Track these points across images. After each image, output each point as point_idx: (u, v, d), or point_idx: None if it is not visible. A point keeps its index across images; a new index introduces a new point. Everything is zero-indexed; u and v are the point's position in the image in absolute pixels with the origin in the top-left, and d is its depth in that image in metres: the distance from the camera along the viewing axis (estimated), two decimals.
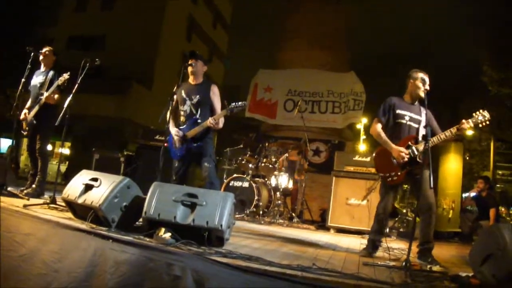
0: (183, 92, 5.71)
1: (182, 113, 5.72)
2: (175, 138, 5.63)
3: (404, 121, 5.03)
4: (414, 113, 5.08)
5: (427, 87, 5.01)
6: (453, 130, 4.79)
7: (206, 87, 5.75)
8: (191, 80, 5.81)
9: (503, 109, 24.16)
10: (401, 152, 4.81)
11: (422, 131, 4.97)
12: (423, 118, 5.05)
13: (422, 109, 5.07)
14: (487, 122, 4.78)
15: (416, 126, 5.04)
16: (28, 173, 7.09)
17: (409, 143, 4.90)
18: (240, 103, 5.51)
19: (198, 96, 5.64)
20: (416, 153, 4.81)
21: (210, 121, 5.44)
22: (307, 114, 11.43)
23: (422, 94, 4.99)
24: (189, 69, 5.71)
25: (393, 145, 4.89)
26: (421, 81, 5.02)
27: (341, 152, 9.80)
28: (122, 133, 24.21)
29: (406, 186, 12.03)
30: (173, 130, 5.68)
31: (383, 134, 5.03)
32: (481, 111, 4.76)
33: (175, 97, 5.70)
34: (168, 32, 30.46)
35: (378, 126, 5.11)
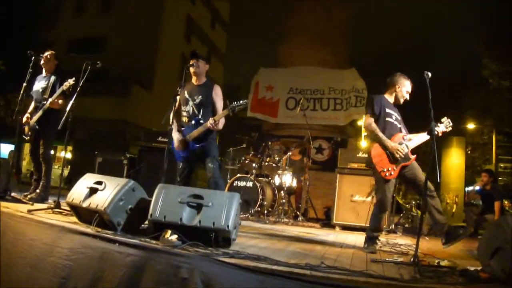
0: (186, 92, 5.70)
1: (184, 113, 5.71)
2: (176, 143, 5.63)
3: (392, 120, 5.25)
4: (397, 114, 5.39)
5: (408, 96, 5.40)
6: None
7: (209, 87, 5.73)
8: (193, 80, 5.80)
9: (505, 102, 24.13)
10: (398, 150, 5.03)
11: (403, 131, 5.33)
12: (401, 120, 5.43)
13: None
14: (450, 128, 5.34)
15: (400, 125, 5.32)
16: (31, 177, 7.07)
17: (401, 140, 5.18)
18: (241, 101, 5.48)
19: (200, 97, 5.63)
20: (407, 149, 5.10)
21: (210, 122, 5.41)
22: (309, 112, 11.43)
23: (401, 102, 5.39)
24: (191, 69, 5.67)
25: (389, 141, 5.09)
26: (407, 91, 5.37)
27: (344, 149, 9.77)
28: (124, 136, 24.25)
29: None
30: (175, 135, 5.68)
31: (379, 131, 5.15)
32: (446, 117, 5.26)
33: (178, 97, 5.70)
34: (167, 33, 30.48)
35: (372, 122, 5.22)
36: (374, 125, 5.18)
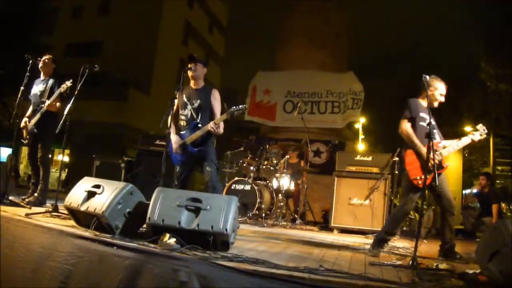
0: (184, 96, 5.70)
1: (182, 117, 5.70)
2: (175, 146, 5.63)
3: (425, 124, 4.98)
4: (432, 118, 5.02)
5: (443, 99, 5.17)
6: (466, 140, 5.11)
7: (207, 91, 5.74)
8: (192, 84, 5.80)
9: (502, 105, 24.18)
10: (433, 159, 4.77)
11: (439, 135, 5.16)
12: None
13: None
14: (485, 135, 5.15)
15: (434, 131, 4.98)
16: (29, 181, 7.06)
17: (436, 147, 4.95)
18: (240, 106, 5.48)
19: (199, 101, 5.63)
20: (441, 158, 4.97)
21: (211, 125, 5.41)
22: (306, 115, 11.42)
23: (436, 105, 5.15)
24: (189, 73, 5.66)
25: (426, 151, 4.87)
26: (440, 94, 5.16)
27: (342, 152, 9.81)
28: (121, 139, 24.25)
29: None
30: (173, 137, 5.67)
31: (415, 138, 5.02)
32: (481, 125, 5.09)
33: (175, 101, 5.67)
34: (165, 37, 30.56)
35: (408, 127, 5.09)
36: (410, 130, 5.06)
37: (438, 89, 5.15)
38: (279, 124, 12.66)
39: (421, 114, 5.09)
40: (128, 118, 26.48)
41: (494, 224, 4.52)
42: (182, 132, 5.67)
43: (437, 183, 4.43)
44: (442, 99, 5.18)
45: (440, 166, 4.94)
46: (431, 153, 4.63)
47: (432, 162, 4.68)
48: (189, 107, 5.65)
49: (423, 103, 5.19)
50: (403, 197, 5.20)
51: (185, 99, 5.69)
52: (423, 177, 4.85)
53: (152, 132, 10.35)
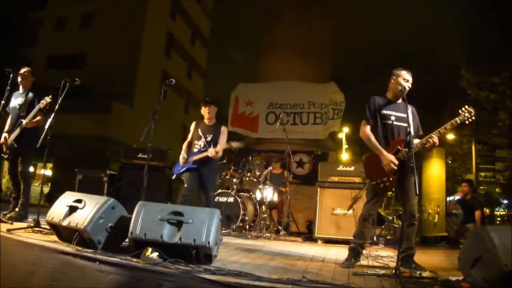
0: (199, 130, 6.99)
1: (197, 146, 6.93)
2: (182, 161, 6.90)
3: (390, 122, 4.91)
4: (400, 111, 4.96)
5: (410, 84, 4.93)
6: (445, 128, 4.73)
7: (218, 128, 7.03)
8: (206, 121, 7.07)
9: (483, 112, 24.50)
10: (391, 163, 4.71)
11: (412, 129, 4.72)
12: (410, 115, 4.79)
13: (408, 106, 4.85)
14: (473, 118, 4.70)
15: (405, 125, 4.89)
16: (11, 196, 6.99)
17: (398, 147, 4.79)
18: (239, 142, 7.22)
19: (212, 136, 6.89)
20: (406, 156, 4.70)
21: (210, 151, 6.63)
22: (289, 126, 11.46)
23: (404, 91, 4.85)
24: (206, 114, 7.01)
25: (384, 152, 4.77)
26: (404, 79, 4.92)
27: (324, 162, 9.86)
28: (104, 152, 24.08)
29: (391, 193, 12.16)
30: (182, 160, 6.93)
31: (373, 138, 4.88)
32: (466, 107, 4.69)
33: (192, 131, 7.11)
34: (148, 49, 30.57)
35: (367, 129, 4.96)
36: (368, 132, 4.92)
37: (400, 76, 4.95)
38: (262, 136, 12.67)
39: (384, 112, 4.95)
40: (111, 131, 26.36)
41: (476, 231, 4.54)
42: (189, 153, 6.96)
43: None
44: (408, 84, 4.91)
45: (403, 165, 4.72)
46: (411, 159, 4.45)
47: (390, 167, 4.71)
48: (203, 139, 6.91)
49: (390, 98, 5.07)
50: (367, 202, 5.09)
51: (200, 133, 6.95)
52: (385, 179, 4.80)
53: (135, 145, 10.29)
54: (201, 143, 6.91)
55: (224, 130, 7.06)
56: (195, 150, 6.93)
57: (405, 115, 4.86)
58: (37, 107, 6.45)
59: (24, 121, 6.45)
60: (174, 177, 7.31)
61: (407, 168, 4.67)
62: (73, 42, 29.66)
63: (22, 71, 6.90)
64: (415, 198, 4.75)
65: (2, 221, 5.75)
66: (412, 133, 4.56)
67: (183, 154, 6.92)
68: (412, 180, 4.60)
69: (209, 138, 6.87)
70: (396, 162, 4.72)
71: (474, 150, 27.81)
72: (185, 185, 6.98)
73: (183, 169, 6.87)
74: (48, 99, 6.43)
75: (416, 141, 4.78)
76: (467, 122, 4.75)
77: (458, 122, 4.72)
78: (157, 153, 9.29)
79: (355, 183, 8.00)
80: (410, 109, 4.86)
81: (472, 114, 4.67)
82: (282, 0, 14.25)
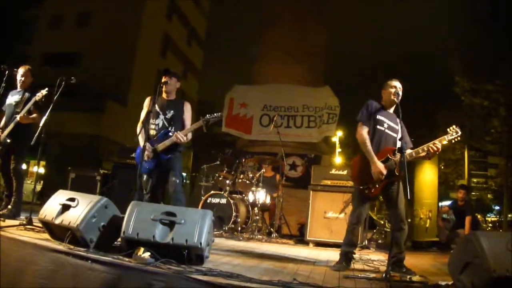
0: (156, 106, 5.81)
1: (153, 126, 5.81)
2: (147, 153, 5.63)
3: (383, 128, 4.96)
4: (392, 122, 5.04)
5: (399, 91, 4.96)
6: (433, 143, 4.78)
7: (180, 103, 5.98)
8: (164, 95, 5.98)
9: (476, 119, 24.63)
10: (381, 173, 4.73)
11: (398, 142, 4.93)
12: (399, 128, 5.00)
13: (398, 119, 5.00)
14: (459, 138, 4.80)
15: (394, 135, 4.99)
16: (3, 193, 6.96)
17: (388, 155, 4.83)
18: (215, 114, 5.76)
19: (172, 112, 5.82)
20: (394, 166, 4.75)
21: (176, 135, 5.55)
22: (282, 129, 11.49)
23: (395, 100, 4.90)
24: (164, 86, 5.85)
25: (376, 160, 4.78)
26: (391, 86, 5.01)
27: (317, 166, 9.87)
28: (98, 151, 24.05)
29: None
30: (143, 144, 5.64)
31: (369, 144, 4.88)
32: (454, 127, 4.78)
33: (145, 109, 5.85)
34: (143, 49, 30.51)
35: (365, 132, 4.96)
36: (365, 136, 4.93)
37: (388, 85, 5.07)
38: (255, 138, 12.68)
39: (379, 117, 5.00)
40: (105, 130, 26.32)
41: (466, 236, 4.57)
42: (151, 141, 5.71)
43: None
44: (397, 90, 4.95)
45: (392, 174, 4.77)
46: (402, 167, 4.60)
47: (378, 176, 4.73)
48: (161, 117, 5.81)
49: (383, 105, 5.12)
50: (353, 210, 5.10)
51: (158, 109, 5.83)
52: (371, 185, 4.83)
53: (128, 145, 10.30)
54: (159, 121, 5.78)
55: (188, 106, 5.96)
56: (152, 132, 5.76)
57: (397, 127, 5.00)
58: (33, 100, 6.40)
59: (17, 116, 6.41)
60: (145, 178, 5.71)
61: (394, 177, 4.76)
62: (69, 41, 29.56)
63: (23, 70, 6.86)
64: (402, 203, 4.79)
65: None
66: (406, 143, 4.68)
67: (147, 146, 5.55)
68: (398, 187, 4.68)
69: (169, 115, 5.79)
70: (385, 173, 4.76)
71: (467, 156, 27.98)
72: (145, 177, 5.69)
73: (152, 166, 5.67)
74: (44, 91, 6.38)
75: (408, 151, 4.85)
76: (453, 141, 4.85)
77: (446, 140, 4.81)
78: None
79: (347, 187, 8.00)
80: (399, 121, 5.00)
81: (459, 134, 4.79)
82: (278, 4, 14.25)
